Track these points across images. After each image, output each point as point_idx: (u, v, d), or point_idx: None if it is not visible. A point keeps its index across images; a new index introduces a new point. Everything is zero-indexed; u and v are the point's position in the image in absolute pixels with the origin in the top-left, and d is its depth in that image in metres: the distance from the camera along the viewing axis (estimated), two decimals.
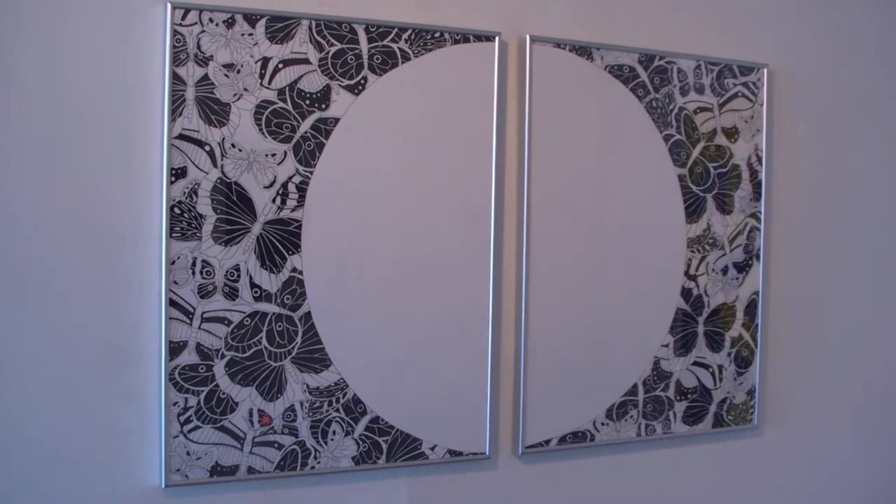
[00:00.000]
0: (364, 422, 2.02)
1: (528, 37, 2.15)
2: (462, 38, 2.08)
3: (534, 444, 2.20)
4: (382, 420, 2.03)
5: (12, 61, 1.73)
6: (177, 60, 1.83)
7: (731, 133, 2.41)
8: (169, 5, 1.81)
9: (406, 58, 2.03)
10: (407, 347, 2.06)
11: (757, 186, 2.45)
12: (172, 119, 1.82)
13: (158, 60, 1.83)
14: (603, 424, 2.28)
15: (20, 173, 1.75)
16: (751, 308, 2.47)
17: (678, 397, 2.37)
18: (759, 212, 2.46)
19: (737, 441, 2.51)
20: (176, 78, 1.82)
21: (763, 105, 2.45)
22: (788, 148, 2.53)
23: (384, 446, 2.04)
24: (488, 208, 2.12)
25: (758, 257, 2.46)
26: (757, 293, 2.47)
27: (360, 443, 2.02)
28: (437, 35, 2.05)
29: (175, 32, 1.82)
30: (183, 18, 1.83)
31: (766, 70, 2.45)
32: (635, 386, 2.32)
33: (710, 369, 2.42)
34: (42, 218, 1.76)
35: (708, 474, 2.48)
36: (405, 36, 2.02)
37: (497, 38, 2.11)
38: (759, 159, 2.45)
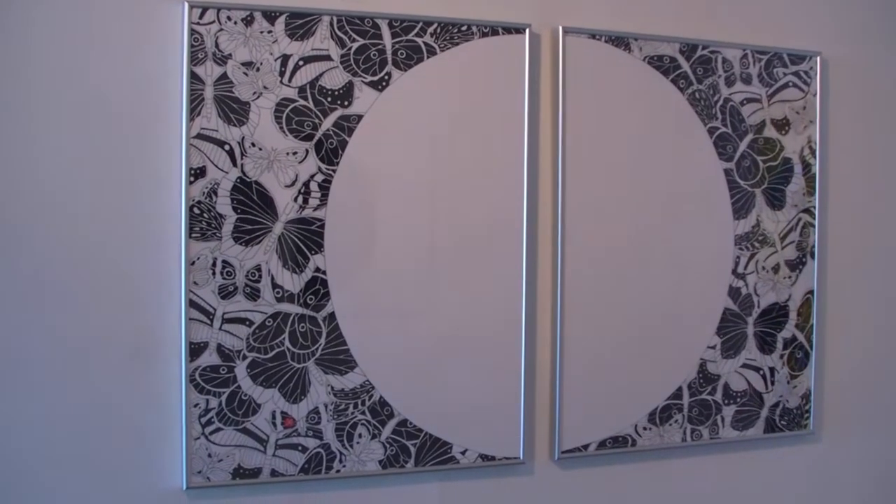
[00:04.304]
0: (391, 425, 1.98)
1: (560, 28, 2.08)
2: (490, 30, 2.02)
3: (571, 448, 2.13)
4: (410, 423, 1.99)
5: (29, 63, 1.74)
6: (195, 59, 1.81)
7: (782, 125, 2.30)
8: (186, 4, 1.80)
9: (432, 52, 1.98)
10: (435, 348, 2.01)
11: (811, 180, 2.34)
12: (191, 118, 1.81)
13: (176, 60, 1.82)
14: (645, 429, 2.20)
15: (36, 175, 1.76)
16: (805, 308, 2.35)
17: (726, 401, 2.27)
18: (814, 207, 2.34)
19: (791, 448, 2.39)
20: (194, 77, 1.81)
21: (816, 95, 2.34)
22: (844, 139, 2.40)
23: (412, 450, 1.99)
24: (520, 206, 2.06)
25: (812, 254, 2.35)
26: (811, 292, 2.35)
27: (388, 446, 1.98)
28: (463, 28, 2.00)
29: (193, 31, 1.81)
30: (201, 17, 1.82)
31: (818, 58, 2.33)
32: (680, 389, 2.22)
33: (761, 372, 2.31)
34: (60, 219, 1.77)
35: (759, 482, 2.36)
36: (430, 30, 1.98)
37: (527, 31, 2.05)
38: (813, 152, 2.34)
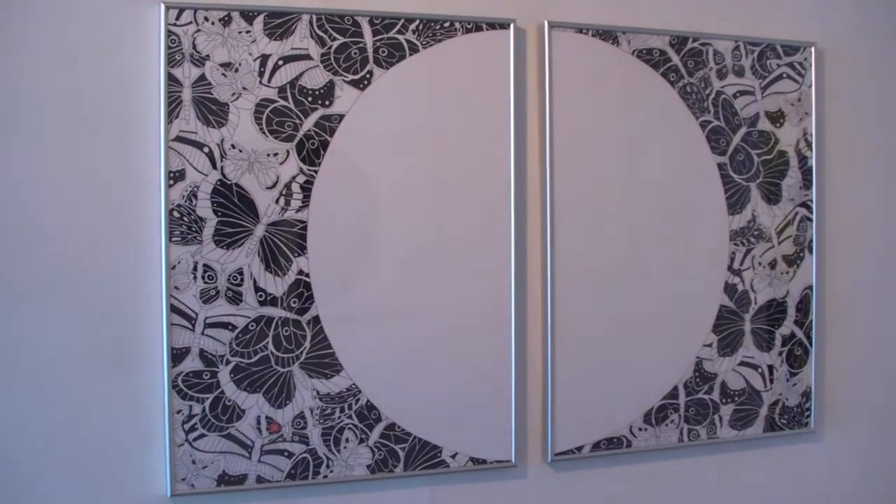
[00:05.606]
0: (379, 429, 1.94)
1: (546, 23, 2.05)
2: (474, 26, 1.99)
3: (564, 450, 2.10)
4: (399, 427, 1.96)
5: (4, 67, 1.72)
6: (172, 61, 1.79)
7: (776, 117, 2.26)
8: (162, 5, 1.78)
9: (414, 50, 1.95)
10: (423, 350, 1.98)
11: (807, 173, 2.29)
12: (169, 121, 1.79)
13: (153, 62, 1.80)
14: (640, 430, 2.16)
15: (15, 180, 1.73)
16: (803, 304, 2.30)
17: (724, 400, 2.23)
18: (811, 200, 2.30)
19: (792, 446, 2.34)
20: (171, 79, 1.79)
21: (811, 86, 2.29)
22: (841, 131, 2.36)
23: (401, 454, 1.96)
24: (508, 205, 2.02)
25: (810, 249, 2.30)
26: (810, 287, 2.31)
27: (376, 450, 1.94)
28: (446, 25, 1.97)
29: (169, 33, 1.79)
30: (177, 18, 1.79)
31: (813, 49, 2.29)
32: (676, 388, 2.18)
33: (760, 370, 2.27)
34: (39, 224, 1.75)
35: (760, 482, 2.32)
36: (412, 27, 1.95)
37: (512, 26, 2.02)
38: (809, 144, 2.29)
